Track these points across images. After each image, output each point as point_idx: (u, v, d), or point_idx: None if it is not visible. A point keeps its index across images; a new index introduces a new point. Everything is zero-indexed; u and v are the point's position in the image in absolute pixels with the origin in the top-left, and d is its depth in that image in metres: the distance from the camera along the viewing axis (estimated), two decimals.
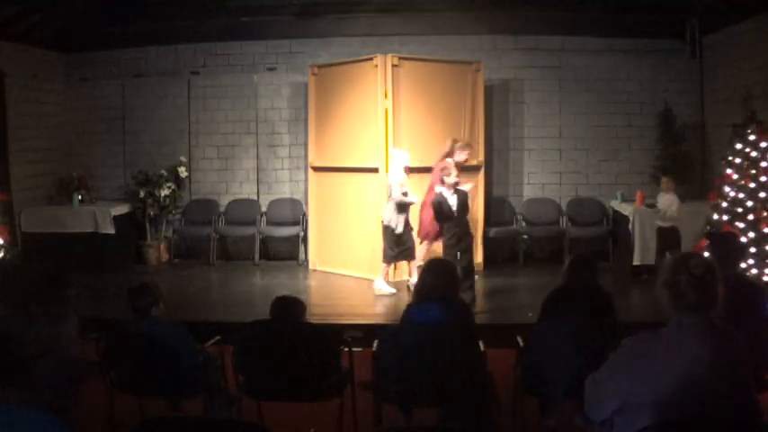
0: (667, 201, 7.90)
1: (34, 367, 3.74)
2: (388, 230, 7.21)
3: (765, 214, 6.32)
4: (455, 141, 7.47)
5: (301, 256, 9.18)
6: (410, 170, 7.38)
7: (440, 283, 3.91)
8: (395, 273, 7.98)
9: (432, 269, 4.00)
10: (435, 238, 7.21)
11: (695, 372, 2.37)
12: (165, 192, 9.14)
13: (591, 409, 2.62)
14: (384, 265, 7.36)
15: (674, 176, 8.16)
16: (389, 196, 7.21)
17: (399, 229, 7.16)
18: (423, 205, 7.36)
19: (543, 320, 4.28)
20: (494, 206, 9.06)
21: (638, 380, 2.42)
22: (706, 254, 4.30)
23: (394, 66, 7.97)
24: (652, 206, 7.98)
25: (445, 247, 6.73)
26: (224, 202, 9.58)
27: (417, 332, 3.83)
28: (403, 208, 7.17)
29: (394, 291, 7.34)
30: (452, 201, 6.61)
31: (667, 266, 2.56)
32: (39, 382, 3.72)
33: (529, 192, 9.35)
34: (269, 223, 9.35)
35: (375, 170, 8.04)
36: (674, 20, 8.82)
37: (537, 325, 4.19)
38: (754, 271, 6.21)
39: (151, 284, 4.08)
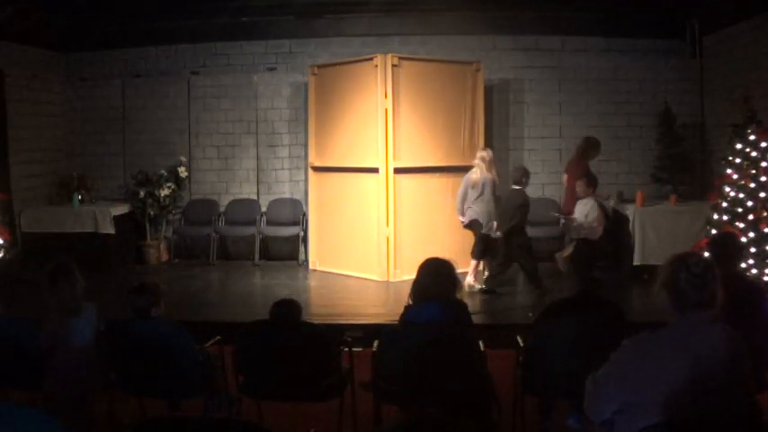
0: (584, 208, 7.04)
1: (46, 366, 3.73)
2: (477, 226, 7.32)
3: (765, 214, 6.31)
4: (587, 139, 7.92)
5: (301, 256, 9.18)
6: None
7: (437, 282, 3.91)
8: (395, 273, 7.99)
9: (428, 269, 3.99)
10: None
11: (695, 371, 2.37)
12: (165, 192, 9.15)
13: (591, 409, 2.62)
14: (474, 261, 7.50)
15: (589, 179, 7.18)
16: (481, 196, 7.29)
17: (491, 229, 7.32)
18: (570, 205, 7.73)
19: (540, 322, 4.25)
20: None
21: (639, 380, 2.42)
22: (706, 254, 4.30)
23: (394, 66, 7.97)
24: (568, 215, 7.25)
25: (519, 247, 7.09)
26: (224, 202, 9.58)
27: (415, 332, 3.83)
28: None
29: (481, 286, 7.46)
30: None
31: (667, 266, 2.56)
32: (50, 382, 3.71)
33: (529, 192, 9.29)
34: (269, 223, 9.35)
35: (375, 170, 8.04)
36: (674, 20, 8.82)
37: (536, 325, 4.18)
38: (754, 271, 6.21)
39: (151, 284, 4.08)
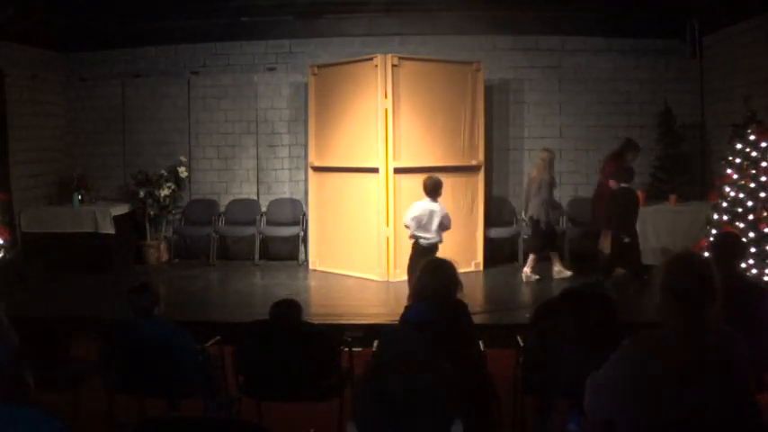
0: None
1: None
2: (536, 223, 7.85)
3: (765, 214, 6.32)
4: (628, 141, 8.13)
5: (301, 256, 9.17)
6: None
7: (436, 282, 3.90)
8: (395, 273, 7.99)
9: (429, 269, 3.99)
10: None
11: (695, 372, 2.37)
12: (165, 192, 9.14)
13: (591, 409, 2.61)
14: (533, 256, 7.94)
15: (432, 181, 6.51)
16: (538, 193, 7.77)
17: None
18: (600, 196, 8.00)
19: (535, 324, 4.23)
20: (494, 206, 9.06)
21: (639, 380, 2.42)
22: (706, 254, 4.30)
23: (394, 66, 7.97)
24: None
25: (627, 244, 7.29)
26: (224, 202, 9.58)
27: (414, 332, 3.83)
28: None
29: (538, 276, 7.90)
30: None
31: (666, 266, 2.56)
32: None
33: None
34: (269, 223, 9.35)
35: (375, 170, 8.04)
36: (674, 20, 8.82)
37: (533, 324, 4.16)
38: (754, 271, 6.21)
39: (153, 284, 4.08)
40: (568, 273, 7.90)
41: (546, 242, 7.94)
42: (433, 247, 6.44)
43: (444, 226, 6.55)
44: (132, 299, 3.95)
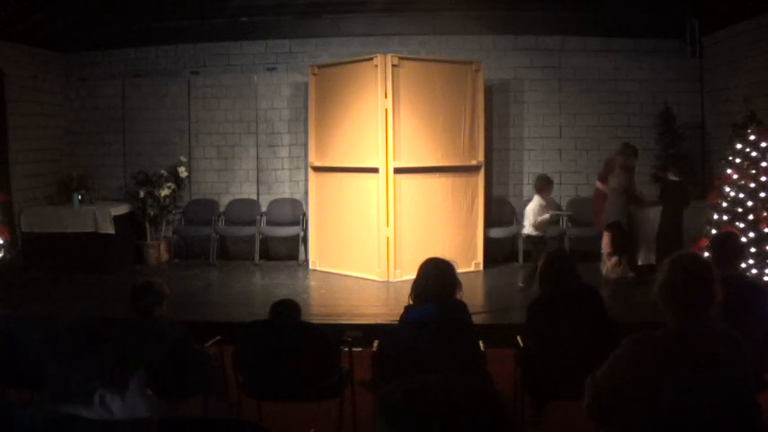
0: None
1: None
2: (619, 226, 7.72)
3: (765, 214, 6.32)
4: (625, 145, 8.05)
5: (301, 256, 9.17)
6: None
7: (437, 282, 3.90)
8: (395, 273, 7.99)
9: (429, 269, 3.99)
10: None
11: (695, 371, 2.37)
12: (165, 192, 9.14)
13: (591, 408, 2.61)
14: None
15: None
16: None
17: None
18: (600, 197, 7.98)
19: (530, 326, 4.18)
20: (494, 206, 9.06)
21: (638, 380, 2.42)
22: (706, 254, 4.30)
23: (394, 66, 7.97)
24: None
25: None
26: (224, 202, 9.58)
27: (413, 332, 3.83)
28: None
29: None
30: None
31: (664, 267, 2.57)
32: None
33: (529, 192, 9.34)
34: (269, 223, 9.35)
35: (375, 170, 8.04)
36: (674, 20, 8.83)
37: (530, 323, 4.12)
38: (754, 271, 6.20)
39: (157, 284, 4.06)
40: (631, 274, 7.75)
41: (627, 243, 7.80)
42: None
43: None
44: (134, 297, 3.94)
